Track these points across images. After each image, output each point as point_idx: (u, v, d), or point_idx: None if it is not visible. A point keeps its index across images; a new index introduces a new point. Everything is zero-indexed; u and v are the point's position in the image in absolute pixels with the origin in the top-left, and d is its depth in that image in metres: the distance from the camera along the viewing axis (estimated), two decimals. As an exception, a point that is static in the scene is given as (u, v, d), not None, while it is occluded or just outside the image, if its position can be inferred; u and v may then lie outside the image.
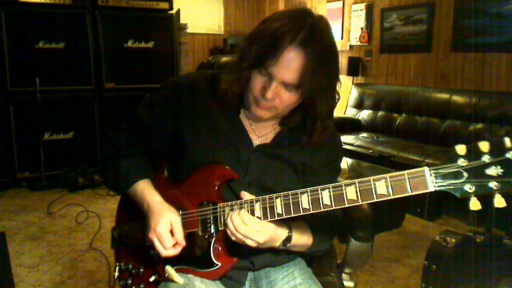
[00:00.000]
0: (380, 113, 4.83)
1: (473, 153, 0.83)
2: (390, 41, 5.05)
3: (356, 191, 0.92)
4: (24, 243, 2.82)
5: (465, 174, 0.83)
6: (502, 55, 3.92)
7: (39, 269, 2.49)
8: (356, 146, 4.22)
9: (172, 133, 1.17)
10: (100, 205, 3.50)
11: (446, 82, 4.43)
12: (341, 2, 5.65)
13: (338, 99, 1.10)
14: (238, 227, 1.00)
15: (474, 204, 0.83)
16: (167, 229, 1.06)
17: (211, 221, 1.09)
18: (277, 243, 1.07)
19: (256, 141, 1.16)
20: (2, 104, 3.69)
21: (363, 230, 1.32)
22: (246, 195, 1.05)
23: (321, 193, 0.96)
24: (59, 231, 3.02)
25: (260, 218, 1.02)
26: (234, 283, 1.17)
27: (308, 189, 0.98)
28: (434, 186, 0.85)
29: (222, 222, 1.07)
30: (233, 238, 1.03)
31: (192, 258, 1.11)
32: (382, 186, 0.89)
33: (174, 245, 1.08)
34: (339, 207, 0.95)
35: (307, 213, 0.98)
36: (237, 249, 1.08)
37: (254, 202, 1.03)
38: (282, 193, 1.01)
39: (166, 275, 1.09)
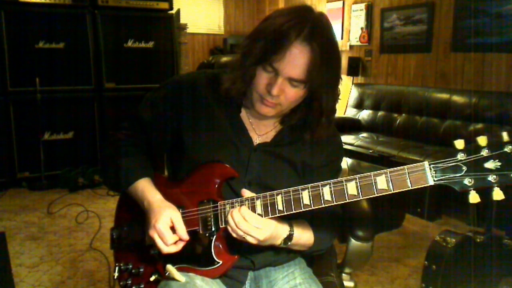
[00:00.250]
0: (380, 113, 4.83)
1: (472, 148, 0.84)
2: (390, 41, 5.05)
3: (357, 186, 0.92)
4: (24, 243, 2.82)
5: (464, 168, 0.84)
6: (502, 55, 3.92)
7: (39, 269, 2.49)
8: (356, 146, 4.22)
9: (172, 132, 1.17)
10: (100, 205, 3.50)
11: (446, 82, 4.43)
12: (341, 2, 5.65)
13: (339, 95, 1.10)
14: (239, 223, 1.00)
15: (474, 197, 0.85)
16: (167, 226, 1.06)
17: (212, 219, 1.09)
18: (278, 242, 1.07)
19: (257, 139, 1.16)
20: (2, 104, 3.69)
21: (363, 230, 1.32)
22: (247, 193, 1.05)
23: (322, 189, 0.96)
24: (59, 231, 3.02)
25: (261, 215, 1.02)
26: (234, 282, 1.17)
27: (309, 185, 0.98)
28: (434, 180, 0.86)
29: (223, 220, 1.07)
30: (234, 235, 1.02)
31: (192, 257, 1.11)
32: (383, 181, 0.90)
33: (175, 242, 1.07)
34: (340, 203, 0.95)
35: (308, 209, 0.98)
36: (238, 247, 1.08)
37: (255, 199, 1.03)
38: (283, 189, 1.01)
39: (167, 274, 1.08)
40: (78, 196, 3.74)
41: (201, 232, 1.09)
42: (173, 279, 1.07)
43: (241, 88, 1.07)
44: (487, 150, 0.83)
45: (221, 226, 1.07)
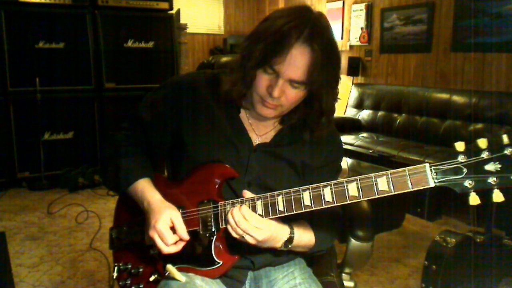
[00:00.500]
0: (380, 113, 4.83)
1: (472, 150, 0.85)
2: (390, 41, 5.05)
3: (358, 187, 0.93)
4: (24, 243, 2.82)
5: (465, 170, 0.85)
6: (502, 55, 3.92)
7: (39, 269, 2.49)
8: (356, 146, 4.22)
9: (172, 132, 1.17)
10: (100, 205, 3.50)
11: (446, 82, 4.43)
12: (341, 2, 5.65)
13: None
14: (239, 222, 1.00)
15: (474, 199, 0.85)
16: (167, 226, 1.06)
17: (212, 220, 1.08)
18: (279, 244, 1.07)
19: (256, 140, 1.16)
20: (2, 104, 3.69)
21: (363, 230, 1.32)
22: (247, 194, 1.05)
23: (322, 189, 0.96)
24: (59, 231, 3.02)
25: (261, 216, 1.02)
26: (234, 282, 1.17)
27: (310, 186, 0.98)
28: (435, 182, 0.87)
29: (223, 220, 1.07)
30: (233, 234, 1.02)
31: (192, 257, 1.11)
32: (384, 183, 0.90)
33: (175, 242, 1.07)
34: (341, 204, 0.95)
35: (308, 210, 0.98)
36: (238, 248, 1.08)
37: (256, 199, 1.03)
38: (283, 190, 1.01)
39: (167, 273, 1.08)
40: (78, 196, 3.73)
41: (201, 232, 1.09)
42: (173, 279, 1.07)
43: (241, 90, 1.07)
44: (487, 153, 0.84)
45: (221, 227, 1.07)
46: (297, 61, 0.97)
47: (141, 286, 1.17)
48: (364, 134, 4.62)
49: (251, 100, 1.09)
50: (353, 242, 1.33)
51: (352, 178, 0.93)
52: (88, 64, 3.98)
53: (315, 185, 0.98)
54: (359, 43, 5.45)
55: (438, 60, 4.51)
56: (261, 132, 1.17)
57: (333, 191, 0.95)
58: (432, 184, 0.87)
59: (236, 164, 1.12)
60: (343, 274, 1.40)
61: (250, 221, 1.00)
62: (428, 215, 3.13)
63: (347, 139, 4.36)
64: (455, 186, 0.86)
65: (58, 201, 3.55)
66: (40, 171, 3.84)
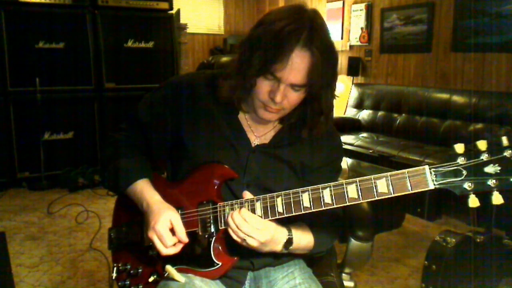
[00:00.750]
0: (380, 113, 4.83)
1: (472, 152, 0.85)
2: (390, 41, 5.05)
3: (357, 189, 0.92)
4: (24, 243, 2.82)
5: (464, 172, 0.85)
6: (502, 55, 3.92)
7: (39, 269, 2.49)
8: (356, 146, 4.22)
9: (172, 133, 1.17)
10: (100, 205, 3.50)
11: (446, 82, 4.43)
12: (341, 2, 5.65)
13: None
14: (240, 225, 1.00)
15: (473, 201, 0.85)
16: (166, 228, 1.06)
17: (211, 221, 1.08)
18: (279, 247, 1.07)
19: (255, 141, 1.16)
20: (2, 104, 3.69)
21: (363, 230, 1.32)
22: (247, 194, 1.05)
23: (322, 191, 0.96)
24: (59, 231, 3.02)
25: (261, 217, 1.02)
26: (234, 283, 1.17)
27: (309, 187, 0.98)
28: (434, 184, 0.87)
29: (222, 221, 1.06)
30: (235, 237, 1.02)
31: (192, 258, 1.10)
32: (383, 184, 0.90)
33: (174, 244, 1.07)
34: (340, 206, 0.95)
35: (308, 211, 0.98)
36: (237, 249, 1.07)
37: (255, 201, 1.03)
38: (283, 192, 1.00)
39: (166, 274, 1.08)
40: (78, 196, 3.74)
41: (200, 233, 1.09)
42: (172, 279, 1.06)
43: (241, 96, 1.07)
44: (487, 155, 0.84)
45: (220, 228, 1.07)
46: (298, 66, 0.97)
47: (140, 286, 1.17)
48: (364, 134, 4.62)
49: (251, 104, 1.09)
50: (353, 242, 1.33)
51: (352, 180, 0.93)
52: (88, 64, 3.98)
53: (314, 186, 0.97)
54: (359, 43, 5.45)
55: (438, 60, 4.51)
56: (260, 133, 1.17)
57: (333, 193, 0.95)
58: (431, 187, 0.87)
59: (235, 165, 1.12)
60: (343, 274, 1.40)
61: (251, 223, 1.00)
62: (428, 215, 3.13)
63: (347, 139, 4.36)
64: (454, 188, 0.86)
65: (58, 201, 3.55)
66: (40, 171, 3.84)
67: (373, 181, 0.91)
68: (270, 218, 1.02)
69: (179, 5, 5.45)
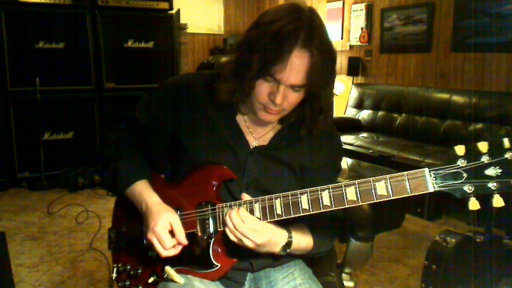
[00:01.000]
0: (380, 113, 4.83)
1: (472, 154, 0.84)
2: (390, 41, 5.05)
3: (356, 191, 0.92)
4: (24, 243, 2.82)
5: (465, 175, 0.84)
6: (502, 55, 3.92)
7: (39, 269, 2.49)
8: (356, 146, 4.22)
9: (170, 135, 1.16)
10: (100, 205, 3.50)
11: (446, 82, 4.43)
12: (341, 2, 5.65)
13: None
14: (237, 225, 0.99)
15: (473, 204, 0.84)
16: (166, 229, 1.05)
17: (210, 222, 1.08)
18: (277, 249, 1.06)
19: (254, 142, 1.15)
20: (2, 104, 3.69)
21: (363, 230, 1.32)
22: (246, 197, 1.04)
23: (320, 193, 0.95)
24: (59, 231, 3.02)
25: (259, 219, 1.01)
26: (233, 284, 1.16)
27: (308, 189, 0.97)
28: (434, 187, 0.86)
29: (221, 223, 1.06)
30: (231, 237, 1.02)
31: (191, 259, 1.10)
32: (382, 187, 0.90)
33: (174, 246, 1.06)
34: (339, 208, 0.94)
35: (306, 213, 0.97)
36: (237, 250, 1.07)
37: (253, 202, 1.02)
38: (281, 193, 1.00)
39: (166, 275, 1.08)
40: (78, 196, 3.73)
41: (199, 234, 1.09)
42: (172, 280, 1.06)
43: (240, 99, 1.06)
44: (487, 157, 0.83)
45: (219, 229, 1.07)
46: (297, 67, 0.96)
47: (140, 287, 1.16)
48: (364, 134, 4.62)
49: (250, 106, 1.08)
50: (353, 242, 1.33)
51: (351, 182, 0.92)
52: (88, 64, 3.98)
53: (313, 188, 0.97)
54: (359, 43, 5.45)
55: (438, 60, 4.51)
56: (258, 135, 1.16)
57: (331, 195, 0.94)
58: (431, 189, 0.86)
59: (233, 167, 1.11)
60: (343, 274, 1.40)
61: (248, 224, 0.99)
62: (428, 215, 3.13)
63: (347, 139, 4.36)
64: (454, 191, 0.85)
65: (58, 201, 3.55)
66: (40, 171, 3.84)
67: (372, 183, 0.90)
68: (268, 220, 1.01)
69: (179, 5, 5.45)
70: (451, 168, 0.85)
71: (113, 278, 1.22)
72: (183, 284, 1.05)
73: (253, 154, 1.14)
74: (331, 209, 0.95)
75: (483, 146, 0.83)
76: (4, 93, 3.68)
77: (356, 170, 3.35)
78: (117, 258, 1.25)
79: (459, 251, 1.56)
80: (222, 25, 6.94)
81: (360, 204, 0.92)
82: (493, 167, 0.82)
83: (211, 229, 1.08)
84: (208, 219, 1.08)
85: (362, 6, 5.34)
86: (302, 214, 0.98)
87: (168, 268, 1.08)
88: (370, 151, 4.00)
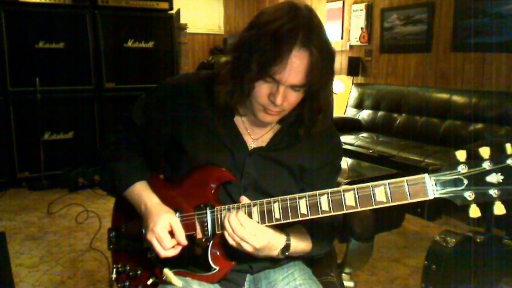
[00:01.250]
0: (380, 113, 4.83)
1: (474, 159, 0.82)
2: (390, 41, 5.05)
3: (355, 197, 0.90)
4: (24, 243, 2.82)
5: (465, 181, 0.82)
6: (502, 55, 3.92)
7: (39, 269, 2.49)
8: (356, 146, 4.22)
9: (168, 135, 1.15)
10: (100, 205, 3.50)
11: (446, 82, 4.43)
12: (341, 2, 5.65)
13: None
14: (236, 229, 0.98)
15: (474, 212, 0.83)
16: (166, 229, 1.05)
17: (209, 225, 1.07)
18: (275, 252, 1.05)
19: (252, 144, 1.14)
20: (2, 104, 3.69)
21: (363, 230, 1.32)
22: (244, 200, 1.03)
23: (319, 198, 0.94)
24: (59, 231, 3.02)
25: (258, 222, 1.00)
26: (232, 285, 1.16)
27: (307, 194, 0.96)
28: (434, 194, 0.84)
29: (220, 225, 1.05)
30: (230, 241, 1.01)
31: (190, 262, 1.10)
32: (381, 193, 0.88)
33: (173, 246, 1.06)
34: (338, 213, 0.93)
35: (305, 218, 0.96)
36: (235, 252, 1.06)
37: (252, 205, 1.01)
38: (280, 197, 0.99)
39: (164, 277, 1.08)
40: (78, 196, 3.73)
41: (197, 237, 1.08)
42: (170, 283, 1.06)
43: (239, 101, 1.05)
44: (489, 163, 0.81)
45: (217, 232, 1.06)
46: (297, 67, 0.95)
47: None
48: (364, 134, 4.62)
49: (250, 107, 1.07)
50: (353, 242, 1.33)
51: (350, 187, 0.91)
52: (88, 64, 3.97)
53: (311, 193, 0.95)
54: (359, 43, 5.45)
55: (438, 60, 4.51)
56: (257, 136, 1.15)
57: (330, 200, 0.93)
58: (431, 196, 0.84)
59: (231, 168, 1.10)
60: (343, 274, 1.40)
61: (247, 228, 0.98)
62: (428, 215, 3.13)
63: (347, 139, 4.36)
64: (455, 198, 0.83)
65: (58, 201, 3.55)
66: (40, 171, 3.84)
67: (371, 189, 0.89)
68: (267, 224, 1.00)
69: (179, 5, 5.45)
70: (452, 175, 0.83)
71: (113, 278, 1.22)
72: (182, 286, 1.04)
73: (252, 155, 1.13)
74: (330, 214, 0.93)
75: (484, 151, 0.81)
76: (4, 93, 3.68)
77: (356, 170, 3.35)
78: (116, 258, 1.25)
79: (459, 251, 1.56)
80: (222, 25, 6.94)
81: (359, 210, 0.90)
82: (494, 173, 0.80)
83: (210, 232, 1.07)
84: (207, 221, 1.07)
85: (362, 6, 5.34)
86: (300, 218, 0.96)
87: (166, 271, 1.07)
88: (370, 151, 4.00)
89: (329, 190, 0.94)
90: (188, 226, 1.09)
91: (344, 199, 0.91)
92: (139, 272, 1.17)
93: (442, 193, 0.84)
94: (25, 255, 2.66)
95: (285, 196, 0.98)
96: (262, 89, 1.00)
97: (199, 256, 1.08)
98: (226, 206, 1.05)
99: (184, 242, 1.06)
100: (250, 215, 1.01)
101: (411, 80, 4.82)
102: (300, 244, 1.10)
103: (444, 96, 4.20)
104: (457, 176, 0.83)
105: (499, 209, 0.80)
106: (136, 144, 1.21)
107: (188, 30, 4.96)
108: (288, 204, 0.97)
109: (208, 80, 1.12)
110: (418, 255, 2.65)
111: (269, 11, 0.99)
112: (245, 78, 0.98)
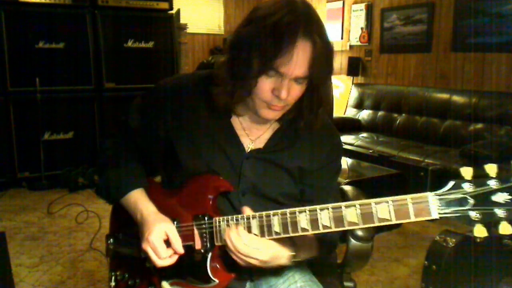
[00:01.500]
0: (380, 113, 4.83)
1: (480, 177, 0.79)
2: (390, 41, 5.05)
3: (357, 213, 0.87)
4: (24, 243, 2.82)
5: (471, 201, 0.79)
6: (502, 55, 3.92)
7: (39, 269, 2.49)
8: (356, 146, 4.22)
9: (164, 139, 1.13)
10: (100, 205, 3.49)
11: (446, 82, 4.43)
12: (341, 2, 5.65)
13: None
14: (240, 249, 0.95)
15: (479, 231, 0.79)
16: (161, 239, 1.02)
17: (207, 236, 1.04)
18: (283, 260, 1.02)
19: (249, 145, 1.11)
20: (2, 104, 3.69)
21: (363, 230, 1.31)
22: (247, 211, 1.00)
23: (320, 213, 0.91)
24: (59, 231, 3.02)
25: (257, 236, 0.97)
26: None
27: (307, 208, 0.92)
28: (439, 213, 0.81)
29: (218, 237, 1.02)
30: (236, 260, 0.98)
31: (188, 273, 1.07)
32: (384, 210, 0.85)
33: (170, 256, 1.03)
34: (339, 230, 0.90)
35: (306, 233, 0.93)
36: (235, 264, 1.02)
37: (251, 218, 0.98)
38: (279, 210, 0.95)
39: None
40: (78, 196, 3.73)
41: (196, 248, 1.05)
42: None
43: (241, 100, 1.02)
44: (495, 182, 0.77)
45: (216, 244, 1.03)
46: (301, 57, 0.92)
47: None
48: (364, 134, 4.63)
49: (251, 106, 1.03)
50: (353, 242, 1.32)
51: (351, 203, 0.88)
52: (88, 64, 3.98)
53: (311, 207, 0.92)
54: (359, 43, 5.45)
55: (438, 60, 4.51)
56: (255, 136, 1.11)
57: (331, 216, 0.90)
58: (435, 216, 0.81)
59: (229, 172, 1.08)
60: (343, 274, 1.40)
61: (249, 245, 0.95)
62: (428, 215, 3.11)
63: (347, 139, 4.36)
64: (460, 218, 0.80)
65: (58, 201, 3.55)
66: (40, 171, 3.84)
67: (373, 206, 0.86)
68: (266, 237, 0.97)
69: (179, 5, 5.44)
70: (457, 193, 0.80)
71: (111, 286, 1.19)
72: None
73: (249, 158, 1.09)
74: (330, 230, 0.90)
75: (491, 168, 0.78)
76: (4, 93, 3.68)
77: (356, 170, 3.35)
78: (115, 266, 1.22)
79: (459, 251, 1.56)
80: (222, 25, 6.93)
81: (361, 227, 0.88)
82: (501, 193, 0.77)
83: (208, 244, 1.04)
84: (205, 232, 1.04)
85: (362, 6, 5.34)
86: (301, 233, 0.93)
87: (164, 284, 1.05)
88: (370, 151, 4.01)
89: (329, 205, 0.90)
90: (186, 237, 1.05)
91: (345, 216, 0.88)
92: (137, 281, 1.15)
93: (447, 213, 0.80)
94: (25, 255, 2.66)
95: (284, 210, 0.95)
96: (265, 85, 0.97)
97: (198, 267, 1.05)
98: (225, 218, 1.02)
99: (181, 250, 1.03)
100: (249, 229, 0.98)
101: (411, 80, 4.82)
102: (307, 249, 1.08)
103: (444, 96, 4.20)
104: (462, 195, 0.80)
105: (505, 229, 0.77)
106: (133, 149, 1.19)
107: (188, 30, 4.95)
108: (288, 219, 0.94)
109: (205, 80, 1.09)
110: (418, 255, 2.65)
111: (266, 6, 0.96)
112: (247, 75, 0.95)
